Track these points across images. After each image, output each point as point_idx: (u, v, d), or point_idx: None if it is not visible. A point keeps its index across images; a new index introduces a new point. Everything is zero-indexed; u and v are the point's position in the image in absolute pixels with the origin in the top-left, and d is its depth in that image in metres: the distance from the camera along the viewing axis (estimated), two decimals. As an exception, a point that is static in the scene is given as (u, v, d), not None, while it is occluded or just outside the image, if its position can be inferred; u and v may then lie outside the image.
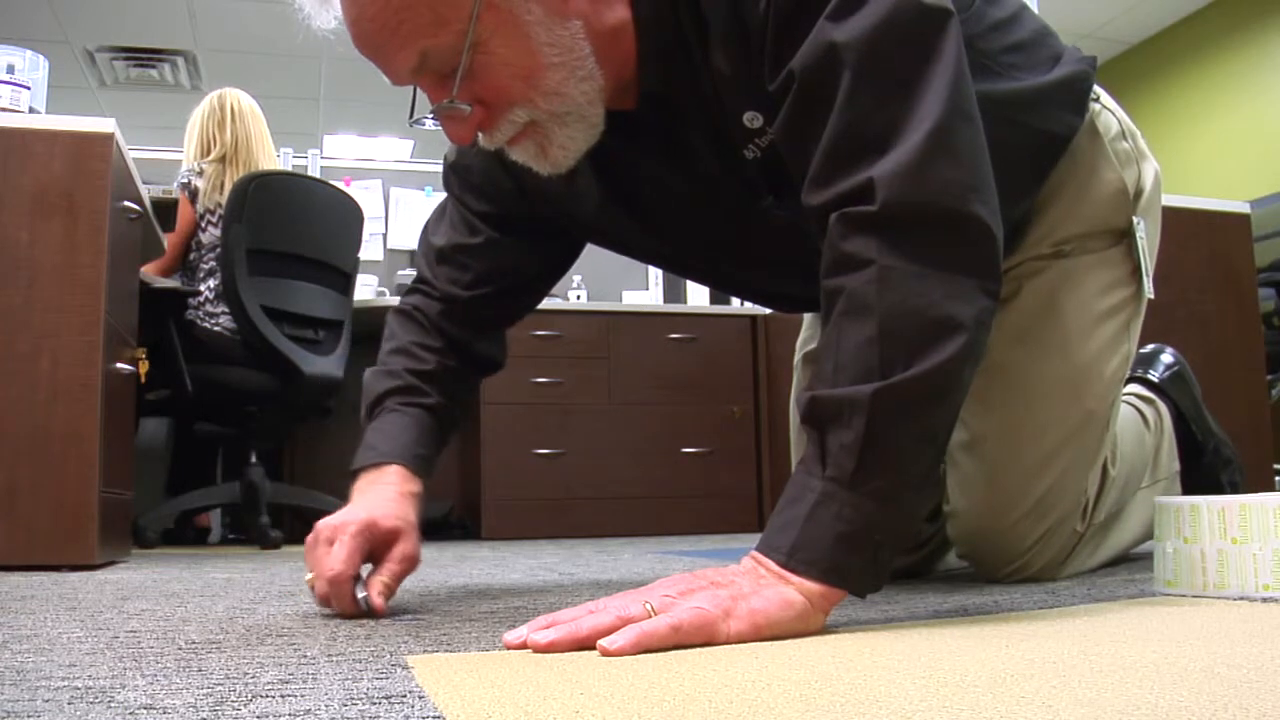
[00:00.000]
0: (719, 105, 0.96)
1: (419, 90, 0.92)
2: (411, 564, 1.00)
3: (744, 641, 0.71)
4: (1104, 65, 5.91)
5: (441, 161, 1.24)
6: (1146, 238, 1.23)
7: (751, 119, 0.95)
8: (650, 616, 0.70)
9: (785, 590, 0.75)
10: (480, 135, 0.93)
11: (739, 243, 1.12)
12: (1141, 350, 1.56)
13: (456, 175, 1.21)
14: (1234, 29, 5.16)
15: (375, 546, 0.98)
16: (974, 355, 0.80)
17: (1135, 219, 1.21)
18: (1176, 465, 1.44)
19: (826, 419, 0.78)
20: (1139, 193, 1.23)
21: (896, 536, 0.79)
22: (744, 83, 0.92)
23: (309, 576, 0.97)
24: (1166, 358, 1.55)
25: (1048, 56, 1.14)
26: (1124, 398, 1.43)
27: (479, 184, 1.18)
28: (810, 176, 0.85)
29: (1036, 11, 2.95)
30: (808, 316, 1.48)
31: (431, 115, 0.92)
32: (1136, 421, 1.38)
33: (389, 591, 0.97)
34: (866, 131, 0.81)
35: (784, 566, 0.76)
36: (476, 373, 1.25)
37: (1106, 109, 1.23)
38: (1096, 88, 1.22)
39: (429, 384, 1.16)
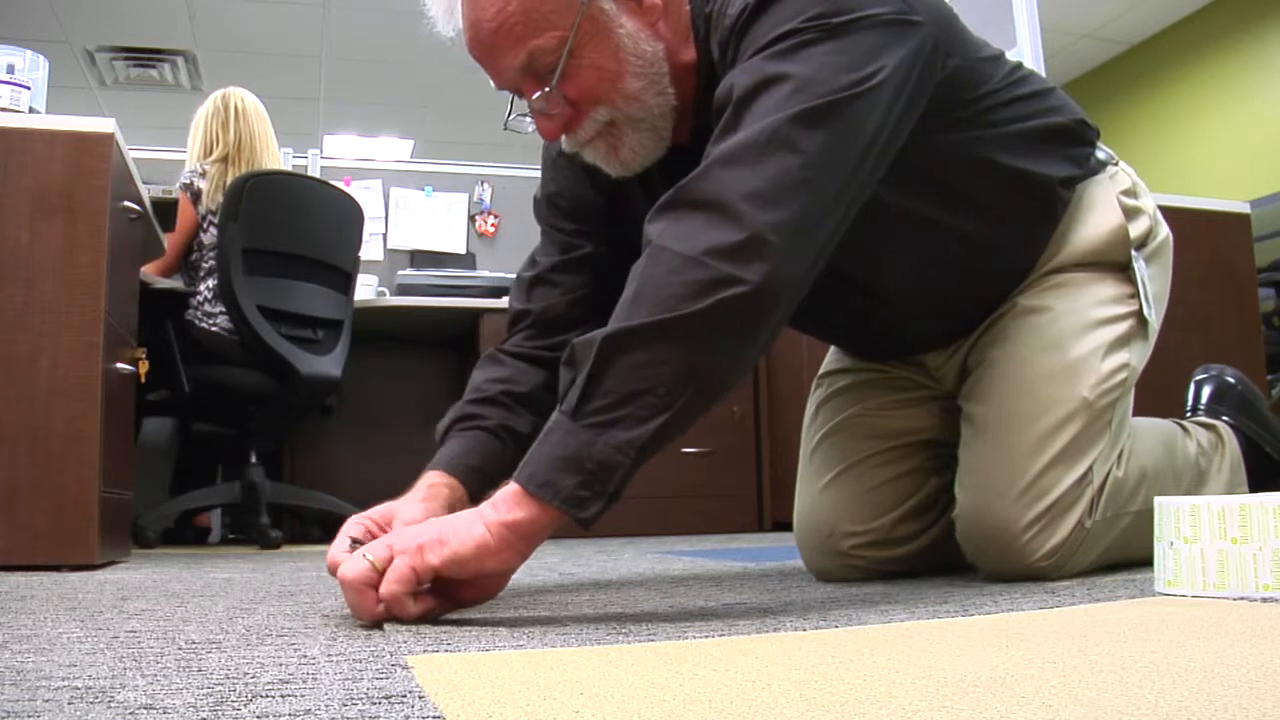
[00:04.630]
0: None
1: (514, 97, 1.06)
2: (404, 526, 1.03)
3: (440, 570, 0.86)
4: (1104, 65, 5.91)
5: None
6: (1150, 282, 1.28)
7: None
8: (371, 567, 0.86)
9: (474, 526, 0.87)
10: (564, 138, 1.07)
11: None
12: (1199, 376, 1.56)
13: (547, 203, 1.30)
14: (1234, 29, 5.16)
15: (379, 533, 1.03)
16: (708, 327, 0.88)
17: (1134, 253, 1.27)
18: (1244, 491, 1.42)
19: (574, 361, 0.90)
20: (1144, 244, 1.29)
21: (607, 467, 0.87)
22: None
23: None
24: (1228, 379, 1.53)
25: (1048, 114, 1.23)
26: (1176, 421, 1.43)
27: (567, 205, 1.28)
28: None
29: (1037, 11, 2.94)
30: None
31: (528, 115, 1.06)
32: (1169, 430, 1.38)
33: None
34: (711, 150, 0.94)
35: (514, 481, 0.88)
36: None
37: (1124, 172, 1.32)
38: (1113, 154, 1.32)
39: (487, 408, 1.21)
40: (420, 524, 0.92)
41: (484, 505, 0.90)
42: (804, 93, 0.92)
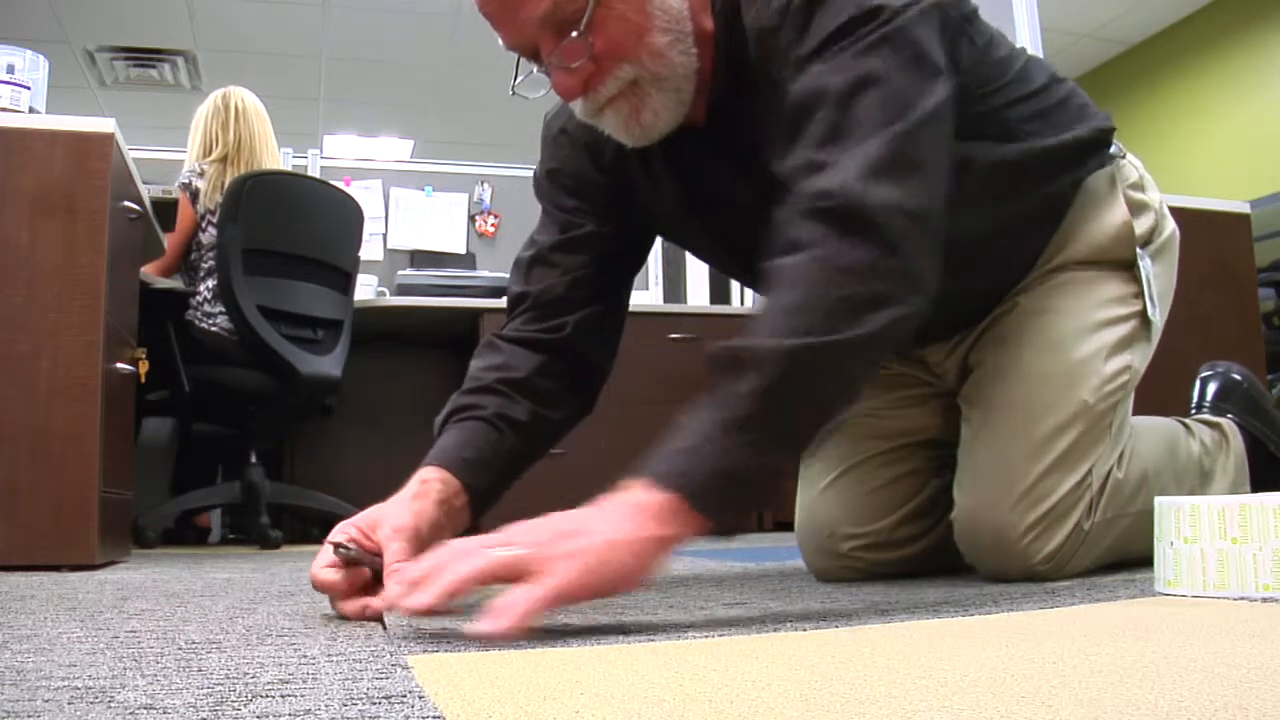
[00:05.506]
0: (768, 130, 1.04)
1: (521, 60, 1.03)
2: (393, 532, 0.96)
3: (588, 591, 0.77)
4: (1104, 65, 5.91)
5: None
6: (1155, 280, 1.27)
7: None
8: (518, 559, 0.76)
9: (630, 535, 0.79)
10: (580, 102, 1.03)
11: None
12: (1204, 373, 1.55)
13: (548, 179, 1.27)
14: (1234, 29, 5.16)
15: (366, 542, 0.98)
16: (875, 350, 0.87)
17: (1139, 251, 1.26)
18: (1247, 492, 1.40)
19: (732, 366, 0.84)
20: (1149, 241, 1.29)
21: (763, 489, 0.84)
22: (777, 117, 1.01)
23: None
24: (1234, 377, 1.52)
25: (1068, 121, 1.21)
26: (1180, 419, 1.43)
27: (569, 183, 1.24)
28: (784, 200, 0.93)
29: (1037, 11, 2.94)
30: None
31: (543, 69, 1.01)
32: (1171, 429, 1.37)
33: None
34: (825, 156, 0.91)
35: (661, 487, 0.81)
36: (570, 375, 1.22)
37: (1130, 164, 1.30)
38: (1121, 146, 1.30)
39: (483, 396, 1.17)
40: (576, 540, 0.79)
41: (637, 511, 0.80)
42: (902, 97, 0.91)
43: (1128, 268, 1.26)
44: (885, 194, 0.87)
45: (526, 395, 1.18)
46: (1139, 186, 1.29)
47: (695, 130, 1.09)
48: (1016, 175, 1.17)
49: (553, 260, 1.23)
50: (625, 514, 0.81)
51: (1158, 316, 1.27)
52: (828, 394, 0.86)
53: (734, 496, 0.83)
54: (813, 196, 0.89)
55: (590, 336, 1.24)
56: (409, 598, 0.74)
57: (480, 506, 1.11)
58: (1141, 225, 1.27)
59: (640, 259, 1.32)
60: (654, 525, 0.80)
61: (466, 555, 0.77)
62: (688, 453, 0.82)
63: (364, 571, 0.95)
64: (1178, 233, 1.35)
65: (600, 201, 1.24)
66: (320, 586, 0.95)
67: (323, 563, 0.95)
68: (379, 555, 0.94)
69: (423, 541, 0.98)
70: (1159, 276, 1.29)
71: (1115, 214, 1.26)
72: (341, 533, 0.98)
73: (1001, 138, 1.15)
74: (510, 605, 0.73)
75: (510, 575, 0.76)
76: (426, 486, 1.06)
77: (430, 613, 0.74)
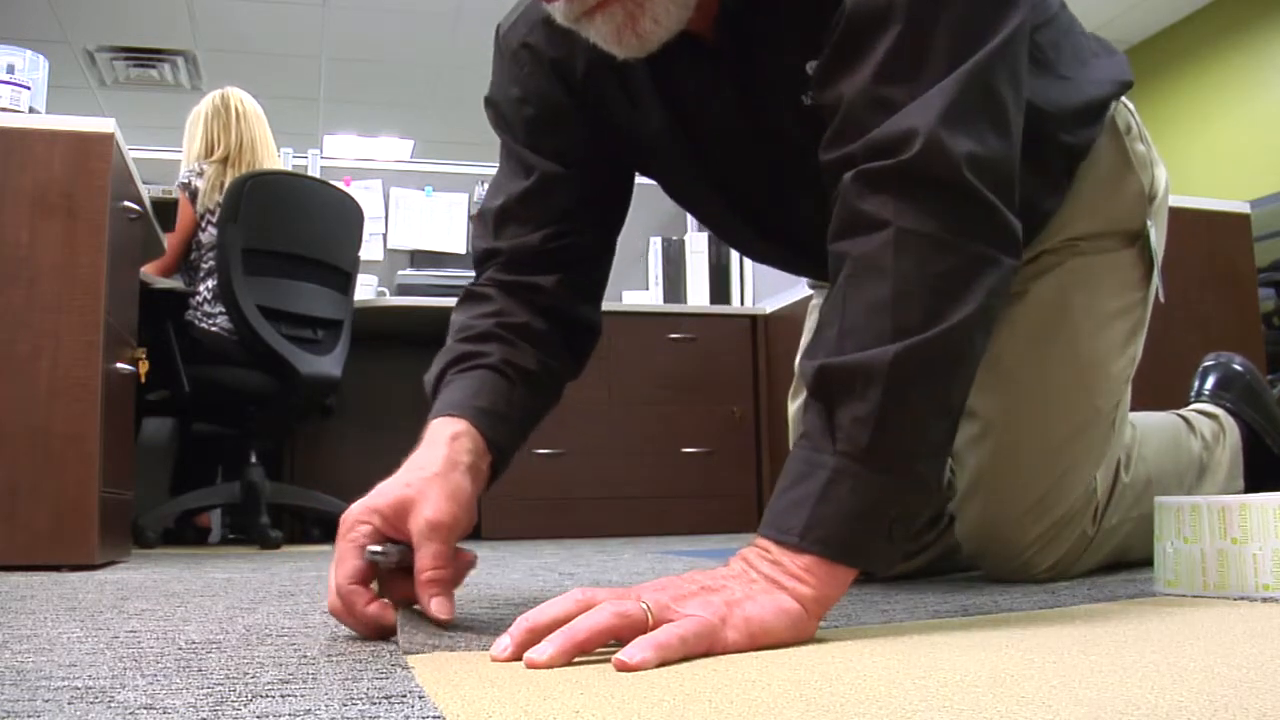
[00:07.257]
0: (791, 44, 0.94)
1: None
2: (430, 529, 0.82)
3: (740, 651, 0.67)
4: (1104, 65, 5.90)
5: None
6: (1158, 247, 1.24)
7: (813, 67, 0.91)
8: (647, 613, 0.66)
9: (780, 597, 0.70)
10: (562, 3, 0.86)
11: (787, 195, 1.08)
12: (1207, 363, 1.54)
13: (512, 108, 1.10)
14: (1234, 29, 5.16)
15: (391, 532, 0.84)
16: (985, 323, 0.79)
17: (1148, 223, 1.23)
18: (1240, 484, 1.38)
19: (837, 389, 0.75)
20: (1152, 197, 1.24)
21: (911, 511, 0.76)
22: (813, 27, 0.89)
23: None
24: (1236, 368, 1.50)
25: (1079, 53, 1.14)
26: (1181, 412, 1.41)
27: (533, 113, 1.09)
28: (831, 130, 0.84)
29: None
30: (809, 321, 1.47)
31: None
32: (1175, 429, 1.36)
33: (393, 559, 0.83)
34: (893, 93, 0.80)
35: (796, 549, 0.72)
36: (563, 331, 1.10)
37: (1124, 107, 1.23)
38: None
39: (484, 344, 1.02)
40: (711, 599, 0.69)
41: (779, 574, 0.72)
42: (981, 17, 0.81)
43: (1135, 240, 1.22)
44: (968, 143, 0.77)
45: (530, 341, 1.05)
46: (1138, 136, 1.23)
47: (692, 39, 0.94)
48: (1055, 115, 1.09)
49: (522, 214, 1.08)
50: (763, 578, 0.72)
51: (1161, 291, 1.25)
52: (950, 385, 0.77)
53: (884, 535, 0.74)
54: (882, 146, 0.78)
55: (573, 293, 1.11)
56: (532, 649, 0.64)
57: (499, 467, 0.99)
58: (1147, 182, 1.22)
59: (624, 199, 1.16)
60: (805, 588, 0.71)
61: (591, 607, 0.67)
62: (817, 500, 0.73)
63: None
64: (1168, 177, 1.29)
65: (572, 134, 1.08)
66: (335, 614, 0.83)
67: (349, 575, 0.81)
68: (409, 546, 0.82)
69: (460, 532, 0.86)
70: (1159, 239, 1.24)
71: (1128, 180, 1.20)
72: (364, 525, 0.83)
73: (1034, 64, 1.03)
74: (648, 638, 0.64)
75: (640, 632, 0.66)
76: (457, 447, 0.92)
77: (549, 667, 0.63)
